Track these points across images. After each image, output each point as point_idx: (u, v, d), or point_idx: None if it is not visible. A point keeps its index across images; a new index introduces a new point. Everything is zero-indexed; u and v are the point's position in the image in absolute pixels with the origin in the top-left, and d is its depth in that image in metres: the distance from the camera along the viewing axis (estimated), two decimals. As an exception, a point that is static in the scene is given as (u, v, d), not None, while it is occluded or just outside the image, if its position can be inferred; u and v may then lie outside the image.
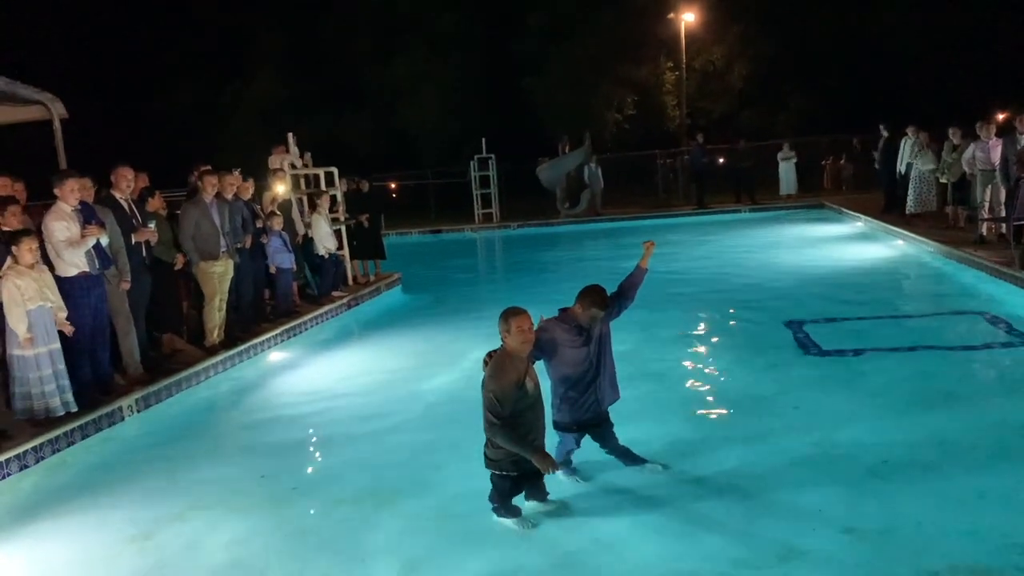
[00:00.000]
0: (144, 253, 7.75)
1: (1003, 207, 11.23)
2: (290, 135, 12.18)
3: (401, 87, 32.05)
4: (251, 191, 9.75)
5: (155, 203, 8.30)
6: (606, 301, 4.90)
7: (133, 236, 7.49)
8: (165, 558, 4.60)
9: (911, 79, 29.36)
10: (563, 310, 5.05)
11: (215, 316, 8.48)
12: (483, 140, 22.71)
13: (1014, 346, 7.50)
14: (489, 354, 4.61)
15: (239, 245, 8.74)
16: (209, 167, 9.04)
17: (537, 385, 4.56)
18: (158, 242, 8.02)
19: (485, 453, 4.56)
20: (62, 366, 6.33)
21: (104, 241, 6.82)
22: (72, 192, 6.55)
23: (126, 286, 7.29)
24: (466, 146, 24.34)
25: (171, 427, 6.97)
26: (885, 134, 16.11)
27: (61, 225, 6.48)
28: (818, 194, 22.57)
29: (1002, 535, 4.07)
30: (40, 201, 7.49)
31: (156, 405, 7.22)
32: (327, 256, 11.13)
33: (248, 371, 8.55)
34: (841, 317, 9.05)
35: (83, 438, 6.32)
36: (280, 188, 10.91)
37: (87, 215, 6.74)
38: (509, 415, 4.33)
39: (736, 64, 32.17)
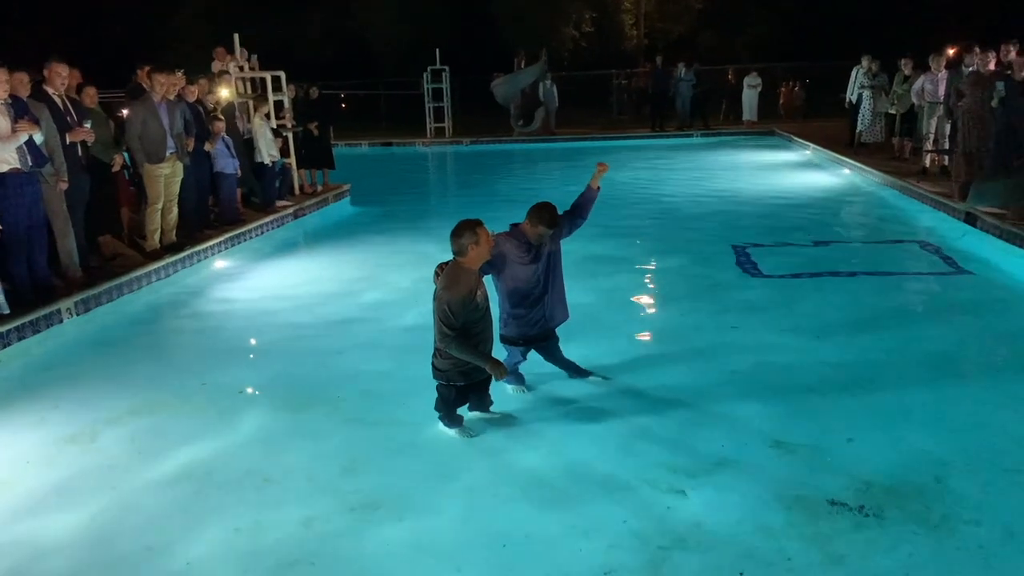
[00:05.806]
0: (80, 153, 7.46)
1: (947, 139, 11.45)
2: (235, 36, 11.70)
3: None
4: (196, 93, 9.40)
5: (87, 99, 7.95)
6: (555, 219, 4.90)
7: (68, 135, 7.18)
8: (107, 460, 4.57)
9: (869, 7, 29.30)
10: (514, 226, 5.04)
11: (156, 219, 8.27)
12: (437, 51, 22.12)
13: (947, 274, 7.77)
14: (440, 266, 4.61)
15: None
16: (152, 66, 8.71)
17: (487, 298, 4.60)
18: (95, 141, 7.72)
19: (433, 364, 4.60)
20: None
21: (38, 138, 6.51)
22: (-1, 84, 6.21)
23: (63, 186, 7.01)
24: (420, 56, 23.66)
25: (111, 331, 6.86)
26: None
27: (-12, 119, 6.17)
28: (775, 121, 22.62)
29: (924, 451, 4.28)
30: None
31: (96, 309, 7.06)
32: (271, 164, 10.83)
33: (191, 278, 8.41)
34: (784, 242, 9.25)
35: (19, 339, 6.17)
36: (224, 92, 10.53)
37: (18, 110, 6.40)
38: (461, 326, 4.36)
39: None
